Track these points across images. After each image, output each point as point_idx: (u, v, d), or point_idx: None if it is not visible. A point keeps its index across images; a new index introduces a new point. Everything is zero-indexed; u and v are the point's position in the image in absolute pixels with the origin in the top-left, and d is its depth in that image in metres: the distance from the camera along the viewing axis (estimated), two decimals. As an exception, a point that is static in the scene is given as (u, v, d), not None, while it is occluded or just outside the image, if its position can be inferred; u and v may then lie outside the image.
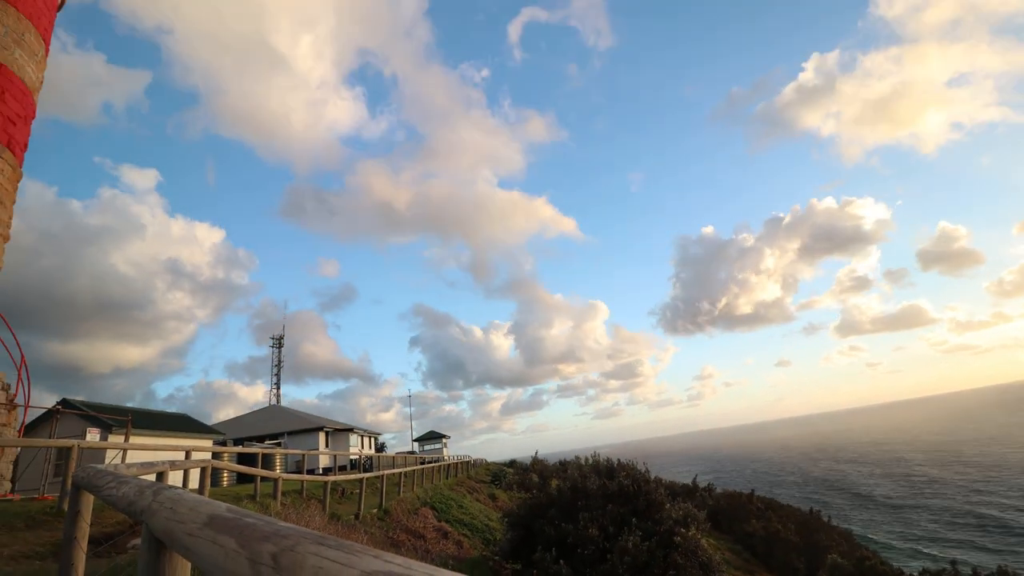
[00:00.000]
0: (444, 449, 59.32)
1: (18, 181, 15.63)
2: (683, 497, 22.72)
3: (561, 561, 11.53)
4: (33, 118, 16.55)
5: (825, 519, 27.67)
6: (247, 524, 1.02)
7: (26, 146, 16.06)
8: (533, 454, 49.26)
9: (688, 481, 34.49)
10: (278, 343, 58.64)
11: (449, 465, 33.63)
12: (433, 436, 60.69)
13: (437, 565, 0.83)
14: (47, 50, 17.18)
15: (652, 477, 16.48)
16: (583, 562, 11.59)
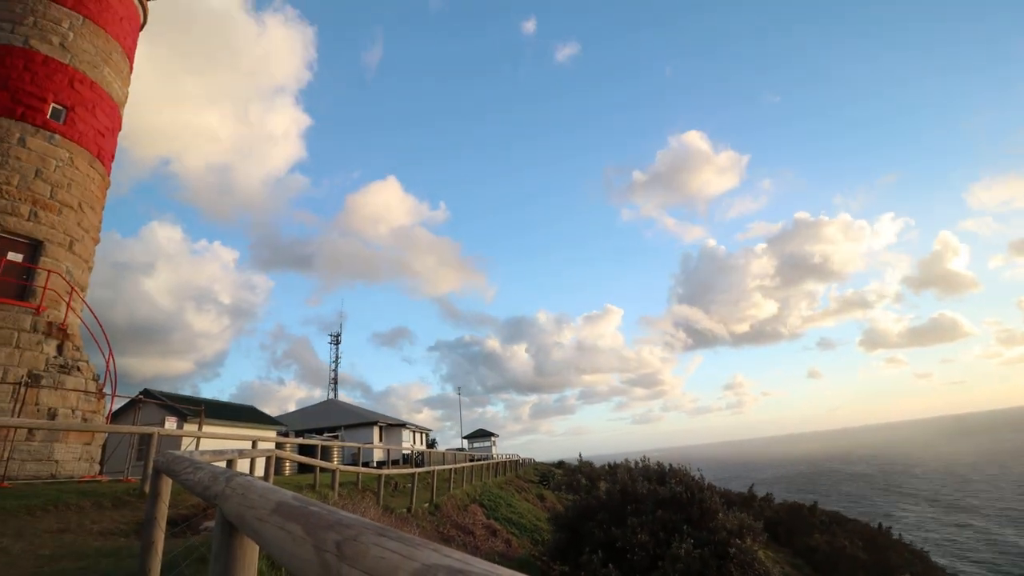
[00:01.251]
0: (493, 447, 59.82)
1: (106, 189, 17.09)
2: (739, 507, 21.81)
3: (610, 565, 11.37)
4: (119, 131, 18.06)
5: (895, 536, 25.81)
6: (312, 512, 1.07)
7: (113, 156, 17.54)
8: (579, 456, 48.84)
9: (743, 490, 33.09)
10: (336, 340, 61.05)
11: (498, 464, 33.87)
12: (482, 434, 61.32)
13: (489, 562, 0.84)
14: (131, 67, 18.69)
15: (706, 484, 15.95)
16: (632, 567, 11.38)
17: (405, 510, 12.95)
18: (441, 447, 53.29)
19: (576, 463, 47.79)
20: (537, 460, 62.86)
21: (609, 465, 45.11)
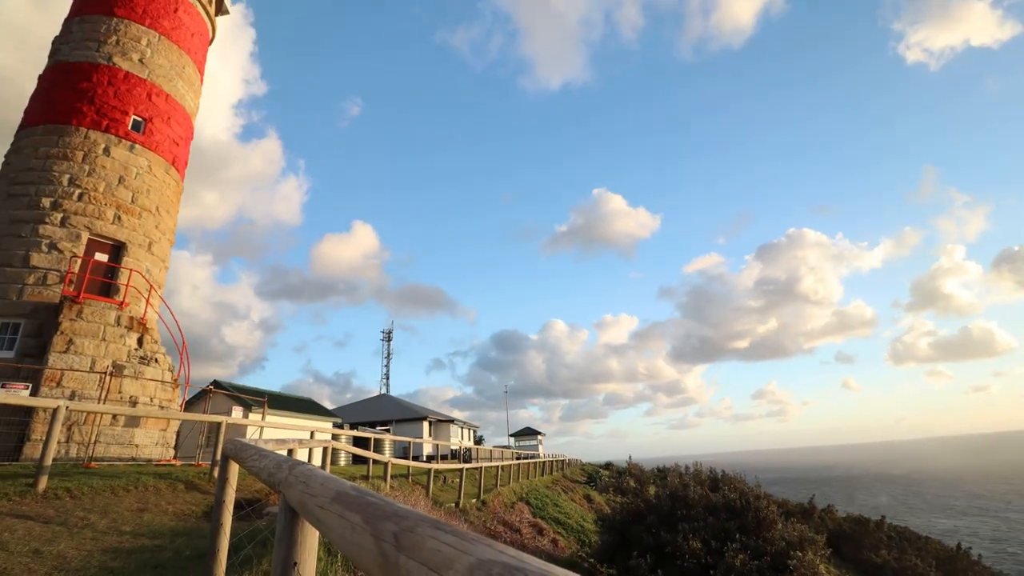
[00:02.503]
0: (539, 446, 59.80)
1: (180, 194, 18.35)
2: (798, 517, 20.74)
3: (659, 571, 11.11)
4: (191, 139, 19.33)
5: (975, 557, 23.77)
6: (370, 503, 1.11)
7: (186, 163, 18.81)
8: (628, 458, 47.99)
9: (802, 500, 31.46)
10: (387, 337, 62.85)
11: (545, 463, 33.83)
12: (528, 432, 61.42)
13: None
14: (201, 79, 19.96)
15: (762, 492, 15.29)
16: (682, 574, 11.07)
17: (453, 504, 13.17)
18: (487, 444, 53.77)
19: (624, 465, 47.02)
20: (584, 461, 62.33)
21: (658, 469, 44.13)
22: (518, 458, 32.15)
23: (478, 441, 53.06)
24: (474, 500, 14.87)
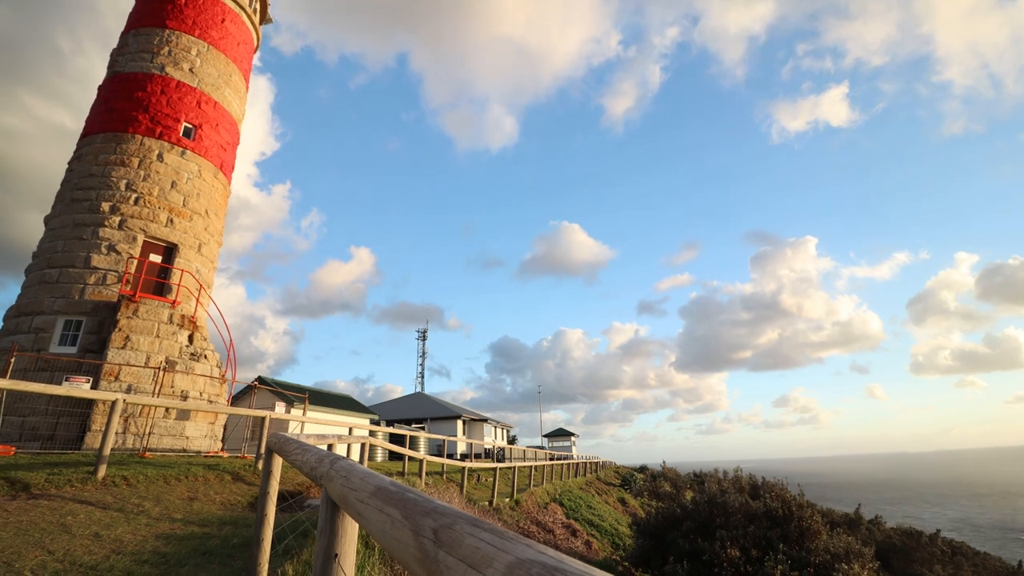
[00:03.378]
0: (573, 447, 59.42)
1: (227, 197, 19.14)
2: (844, 528, 19.87)
3: (696, 577, 10.87)
4: (238, 144, 20.13)
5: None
6: (409, 498, 1.13)
7: (233, 168, 19.60)
8: (662, 462, 47.10)
9: (849, 510, 30.10)
10: (423, 336, 63.76)
11: (578, 464, 33.59)
12: (562, 433, 61.13)
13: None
14: (247, 87, 20.76)
15: (805, 501, 14.74)
16: (721, 582, 10.79)
17: (487, 503, 13.24)
18: (519, 444, 53.80)
19: (659, 469, 46.19)
20: (617, 463, 61.56)
21: (695, 474, 43.16)
22: (551, 459, 32.03)
23: (511, 441, 53.19)
24: (507, 499, 14.92)
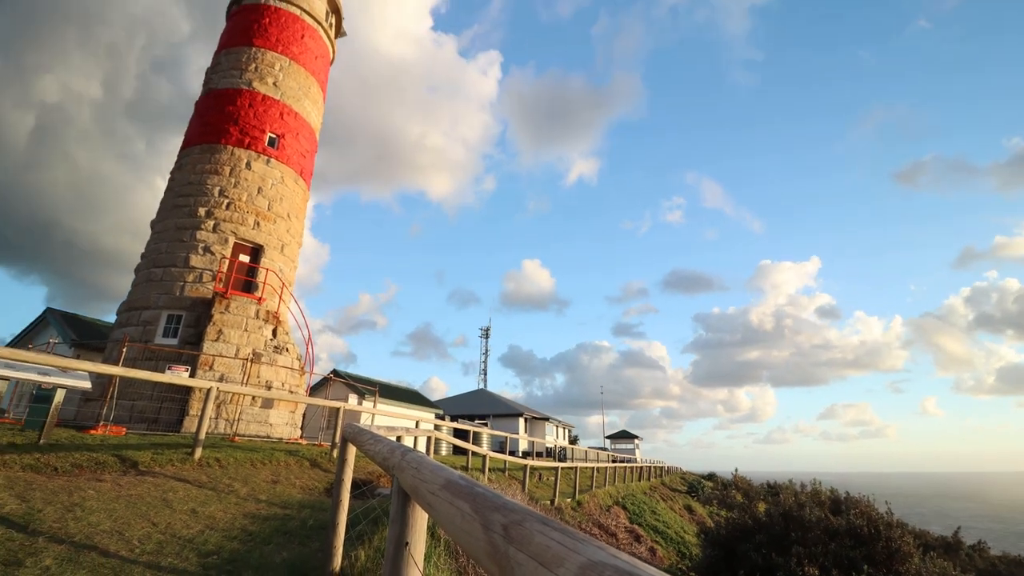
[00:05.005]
0: (636, 450, 58.06)
1: (307, 201, 20.38)
2: (939, 552, 18.05)
3: (770, 594, 10.29)
4: (316, 151, 21.38)
5: None
6: (478, 493, 1.16)
7: (312, 173, 20.84)
8: (734, 470, 44.91)
9: (944, 532, 27.22)
10: (485, 334, 64.74)
11: (642, 468, 32.78)
12: (625, 435, 59.90)
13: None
14: (324, 97, 21.98)
15: (895, 520, 13.51)
16: (798, 601, 10.14)
17: (548, 502, 13.23)
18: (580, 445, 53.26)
19: (729, 477, 44.10)
20: (683, 469, 59.43)
21: (768, 484, 40.79)
22: (614, 461, 31.47)
23: (573, 441, 52.78)
24: (569, 500, 14.83)
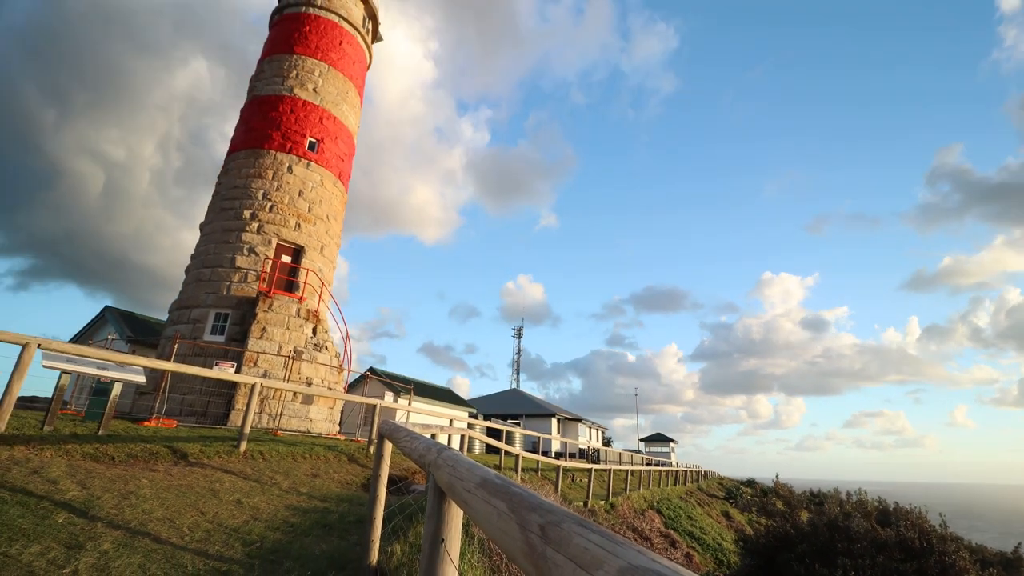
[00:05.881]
0: (672, 454, 56.97)
1: (345, 203, 20.89)
2: (998, 568, 16.96)
3: (814, 606, 9.91)
4: (354, 155, 21.88)
5: None
6: (514, 492, 1.17)
7: (350, 176, 21.34)
8: (775, 477, 43.45)
9: (1005, 548, 25.47)
10: (518, 334, 64.83)
11: (678, 472, 32.13)
12: (660, 438, 58.86)
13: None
14: (361, 101, 22.48)
15: (949, 533, 12.80)
16: (844, 615, 9.73)
17: (581, 504, 13.14)
18: (614, 447, 52.61)
19: (770, 484, 42.70)
20: (721, 474, 57.90)
21: (811, 493, 39.27)
22: (648, 464, 30.95)
23: (606, 443, 52.22)
24: (602, 502, 14.68)
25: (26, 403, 14.81)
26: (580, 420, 43.24)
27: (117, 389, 8.17)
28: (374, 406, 11.41)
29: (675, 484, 29.06)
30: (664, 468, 28.54)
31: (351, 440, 13.92)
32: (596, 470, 16.59)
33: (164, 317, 18.61)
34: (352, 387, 24.50)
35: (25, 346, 6.20)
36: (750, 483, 48.13)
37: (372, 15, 23.50)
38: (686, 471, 34.93)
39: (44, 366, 6.99)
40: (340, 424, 17.88)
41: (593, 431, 47.26)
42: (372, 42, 24.12)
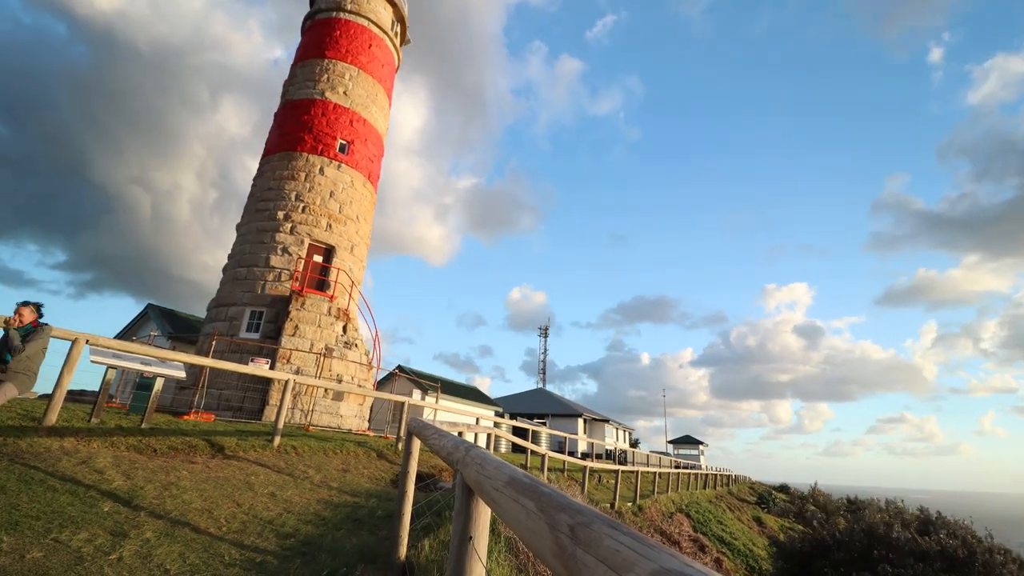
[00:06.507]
0: (701, 457, 55.92)
1: (374, 204, 21.23)
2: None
3: (851, 617, 9.58)
4: (383, 156, 22.22)
5: None
6: (543, 492, 1.16)
7: (379, 177, 21.67)
8: (813, 483, 42.14)
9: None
10: (544, 332, 64.69)
11: (708, 475, 31.51)
12: (689, 440, 57.83)
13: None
14: (390, 103, 22.79)
15: (996, 544, 12.14)
16: (883, 627, 9.37)
17: (608, 505, 13.02)
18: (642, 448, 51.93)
19: (808, 490, 41.46)
20: (752, 479, 56.51)
21: (848, 499, 37.98)
22: (676, 467, 30.45)
23: (633, 444, 51.61)
24: (629, 504, 14.51)
25: (75, 396, 15.58)
26: (607, 421, 42.86)
27: (159, 384, 8.51)
28: (402, 403, 11.57)
29: (704, 488, 28.51)
30: (693, 471, 28.03)
31: (380, 436, 14.15)
32: (623, 472, 16.41)
33: (203, 315, 19.29)
34: (381, 384, 24.89)
35: (74, 342, 6.51)
36: (783, 488, 46.82)
37: (400, 18, 23.80)
38: (716, 475, 34.22)
39: (92, 361, 7.34)
40: (369, 420, 18.19)
41: (620, 432, 46.78)
42: (400, 45, 24.43)
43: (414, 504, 4.46)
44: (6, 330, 5.41)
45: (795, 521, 27.84)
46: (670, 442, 57.68)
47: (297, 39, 22.43)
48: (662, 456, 37.74)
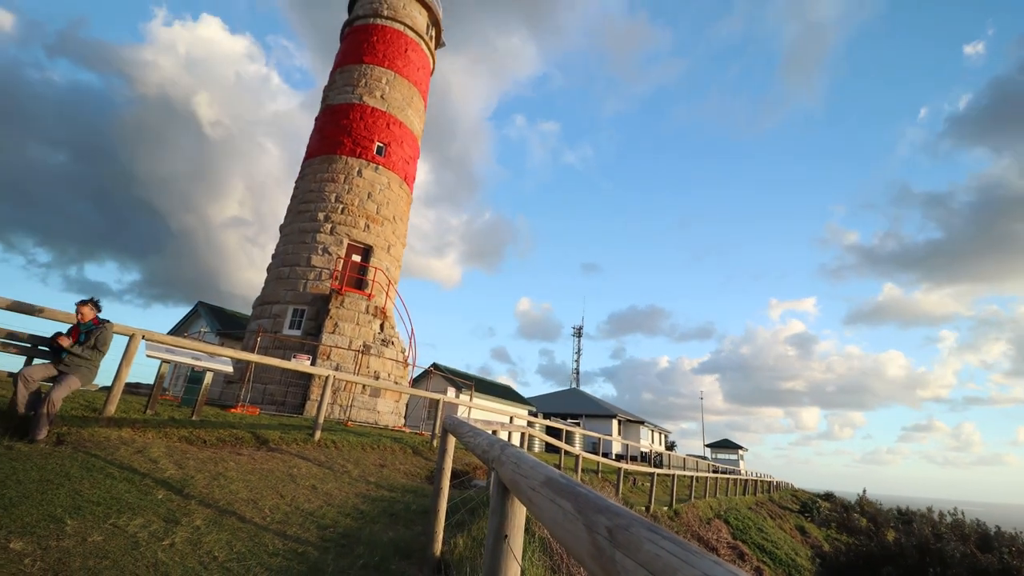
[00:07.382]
0: (740, 462, 54.32)
1: (410, 204, 21.59)
2: None
3: (903, 635, 9.11)
4: (418, 157, 22.56)
5: None
6: (580, 493, 1.15)
7: (414, 178, 22.01)
8: (861, 491, 40.32)
9: None
10: (578, 332, 64.26)
11: (748, 481, 30.58)
12: (727, 445, 56.28)
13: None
14: (425, 106, 23.11)
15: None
16: (939, 648, 8.86)
17: (643, 508, 12.81)
18: (678, 451, 50.84)
19: (855, 499, 39.69)
20: (796, 486, 54.49)
21: (899, 511, 36.13)
22: (715, 471, 29.67)
23: (670, 447, 50.61)
24: (665, 508, 14.24)
25: (131, 389, 16.49)
26: (642, 423, 42.18)
27: (208, 378, 8.91)
28: (438, 401, 11.72)
29: (744, 494, 27.68)
30: (732, 476, 27.25)
31: (415, 433, 14.38)
32: (659, 474, 16.09)
33: (249, 312, 20.07)
34: (416, 381, 25.29)
35: (131, 337, 6.89)
36: (828, 496, 44.95)
37: (435, 22, 24.10)
38: (756, 481, 33.17)
39: (147, 355, 7.75)
40: (405, 417, 18.52)
41: (655, 434, 45.96)
42: (435, 48, 24.73)
43: (449, 501, 4.51)
44: (74, 328, 5.79)
45: (840, 531, 26.69)
46: (707, 446, 56.27)
47: (336, 46, 23.03)
48: (699, 460, 36.86)
